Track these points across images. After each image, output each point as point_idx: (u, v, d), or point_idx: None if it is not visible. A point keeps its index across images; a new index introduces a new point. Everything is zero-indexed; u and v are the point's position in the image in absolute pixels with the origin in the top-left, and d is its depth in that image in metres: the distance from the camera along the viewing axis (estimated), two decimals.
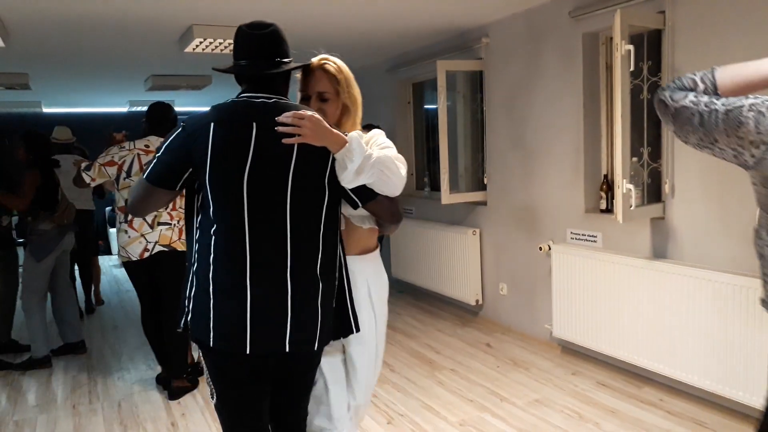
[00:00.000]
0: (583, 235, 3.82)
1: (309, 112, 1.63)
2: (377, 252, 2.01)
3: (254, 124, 1.62)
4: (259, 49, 1.70)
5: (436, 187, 5.48)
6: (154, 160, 1.68)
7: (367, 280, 1.94)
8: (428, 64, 5.07)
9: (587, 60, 3.73)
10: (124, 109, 8.87)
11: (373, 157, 1.66)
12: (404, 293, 5.80)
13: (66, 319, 4.42)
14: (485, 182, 4.78)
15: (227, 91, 7.88)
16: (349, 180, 1.65)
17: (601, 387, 3.49)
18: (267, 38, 1.70)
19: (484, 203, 4.77)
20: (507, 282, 4.59)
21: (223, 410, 1.81)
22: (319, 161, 1.67)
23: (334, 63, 1.87)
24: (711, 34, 2.98)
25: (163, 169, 1.67)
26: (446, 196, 4.65)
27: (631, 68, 3.12)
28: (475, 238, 4.81)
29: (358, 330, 1.84)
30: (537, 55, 4.06)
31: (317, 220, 1.69)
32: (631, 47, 3.07)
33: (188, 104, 9.22)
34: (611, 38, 3.37)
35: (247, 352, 1.64)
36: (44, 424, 3.38)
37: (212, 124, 1.62)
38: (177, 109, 8.03)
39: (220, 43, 4.28)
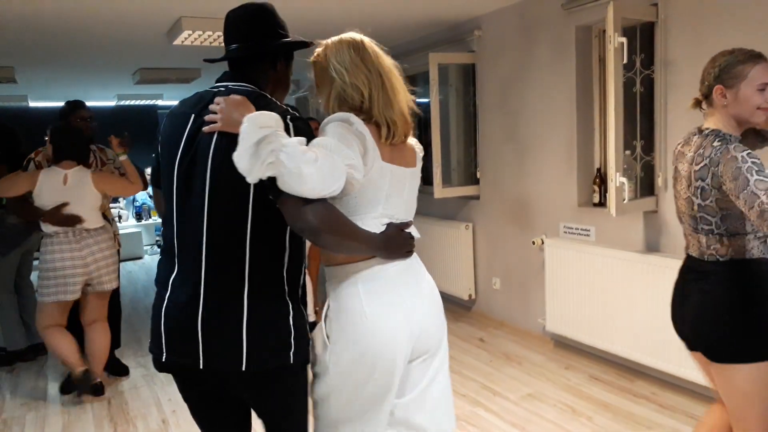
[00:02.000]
0: (576, 228, 3.82)
1: (233, 97, 1.45)
2: (352, 265, 1.57)
3: (192, 114, 1.52)
4: (235, 32, 1.60)
5: (428, 181, 5.45)
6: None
7: (329, 297, 1.62)
8: (420, 56, 5.02)
9: (580, 53, 3.71)
10: (111, 103, 8.77)
11: (271, 146, 1.31)
12: None
13: (27, 320, 4.30)
14: (478, 176, 4.76)
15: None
16: (241, 169, 1.32)
17: (593, 381, 3.49)
18: (241, 20, 1.59)
19: (476, 197, 4.75)
20: (500, 276, 4.58)
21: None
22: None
23: (318, 52, 1.66)
24: (704, 26, 2.97)
25: (154, 167, 1.67)
26: (439, 190, 4.62)
27: (624, 61, 3.10)
28: (467, 232, 4.79)
29: (293, 361, 1.52)
30: (530, 47, 4.04)
31: (242, 223, 1.45)
32: (624, 40, 3.05)
33: (177, 98, 9.12)
34: (604, 31, 3.35)
35: (163, 360, 1.54)
36: (33, 422, 3.34)
37: (166, 117, 1.61)
38: (165, 103, 8.01)
39: (209, 36, 4.22)
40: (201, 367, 1.48)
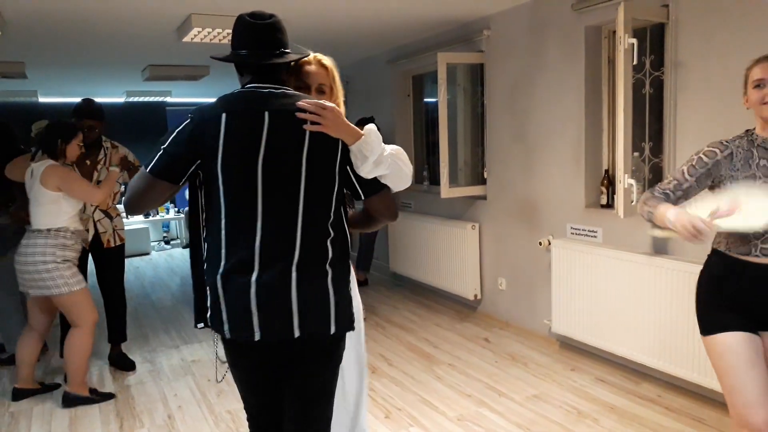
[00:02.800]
0: (583, 230, 3.81)
1: (329, 104, 1.65)
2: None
3: (266, 112, 1.61)
4: (261, 40, 1.69)
5: (435, 181, 5.46)
6: (159, 152, 1.63)
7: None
8: (429, 56, 5.03)
9: (589, 54, 3.70)
10: (120, 100, 8.81)
11: (387, 150, 1.70)
12: (402, 287, 5.79)
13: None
14: (485, 176, 4.75)
15: (225, 81, 7.85)
16: (367, 171, 1.67)
17: (599, 383, 3.48)
18: (269, 28, 1.70)
19: (483, 197, 4.75)
20: (506, 277, 4.57)
21: (241, 393, 1.86)
22: (329, 150, 1.66)
23: (328, 59, 1.94)
24: (715, 28, 2.96)
25: (170, 161, 1.62)
26: (446, 190, 4.62)
27: (634, 62, 3.09)
28: (474, 232, 4.78)
29: (353, 328, 1.78)
30: (539, 48, 4.03)
31: (328, 208, 1.69)
32: (634, 41, 3.04)
33: (185, 95, 9.16)
34: (614, 32, 3.34)
35: (256, 338, 1.63)
36: (40, 415, 3.36)
37: (223, 115, 1.60)
38: (173, 100, 8.02)
39: (219, 33, 4.23)
40: (296, 336, 1.64)
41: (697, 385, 3.11)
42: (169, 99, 9.06)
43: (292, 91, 1.70)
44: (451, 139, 4.70)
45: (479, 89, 4.88)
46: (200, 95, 9.48)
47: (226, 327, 1.65)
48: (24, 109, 8.62)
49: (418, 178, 5.87)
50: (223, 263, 1.63)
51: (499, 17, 4.35)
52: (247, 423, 1.91)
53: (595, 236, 3.73)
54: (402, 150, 1.80)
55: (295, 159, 1.62)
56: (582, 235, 3.81)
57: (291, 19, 3.96)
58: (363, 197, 1.77)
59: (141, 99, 8.66)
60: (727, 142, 1.98)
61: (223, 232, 1.64)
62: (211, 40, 4.41)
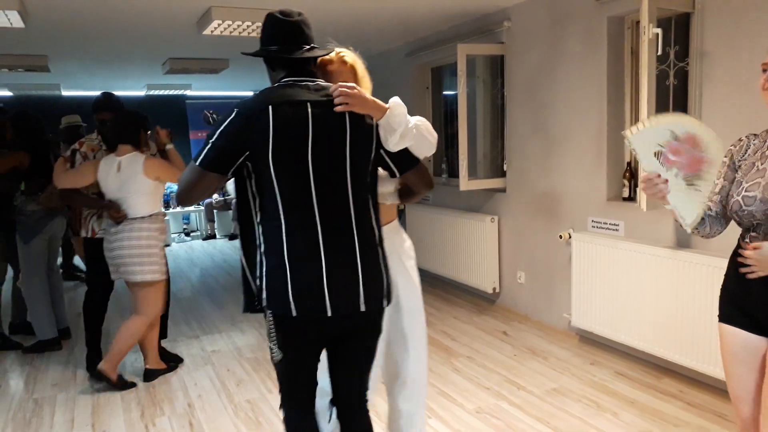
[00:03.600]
0: (604, 223, 3.76)
1: (349, 84, 1.75)
2: (397, 222, 2.22)
3: (308, 103, 1.71)
4: (292, 36, 1.79)
5: (454, 173, 5.43)
6: (208, 146, 1.69)
7: (397, 250, 2.15)
8: (448, 48, 5.00)
9: (612, 44, 3.65)
10: (141, 93, 8.89)
11: (411, 120, 1.80)
12: (421, 280, 5.77)
13: (56, 307, 4.40)
14: (505, 169, 4.72)
15: (244, 75, 7.87)
16: (394, 143, 1.77)
17: (619, 377, 3.44)
18: (299, 25, 1.81)
19: (503, 190, 4.72)
20: (525, 270, 4.54)
21: (287, 370, 1.89)
22: (367, 134, 1.78)
23: (352, 56, 2.01)
24: (742, 16, 2.89)
25: (219, 155, 1.69)
26: (464, 183, 4.60)
27: (658, 53, 3.04)
28: (493, 225, 4.76)
29: (390, 301, 1.90)
30: (560, 39, 3.98)
31: (368, 188, 1.82)
32: (659, 31, 2.99)
33: (205, 88, 9.21)
34: (637, 22, 3.29)
35: (328, 314, 1.73)
36: (63, 402, 3.42)
37: (270, 107, 1.67)
38: (193, 93, 8.04)
39: (239, 26, 4.24)
40: (362, 310, 1.78)
41: (720, 380, 3.06)
42: (188, 92, 9.13)
43: (325, 83, 1.80)
44: (470, 132, 4.67)
45: (499, 81, 4.84)
46: (220, 89, 9.53)
47: (292, 306, 1.71)
48: (47, 102, 8.74)
49: (436, 170, 5.85)
50: (286, 248, 1.71)
51: (519, 8, 4.31)
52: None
53: (617, 230, 3.68)
54: (425, 120, 1.90)
55: (340, 146, 1.73)
56: (603, 228, 3.77)
57: (309, 12, 3.97)
58: (399, 174, 1.89)
59: (161, 92, 8.73)
60: (743, 138, 1.91)
61: (282, 217, 1.72)
62: (231, 33, 4.42)
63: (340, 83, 1.74)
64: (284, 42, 1.78)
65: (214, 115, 3.95)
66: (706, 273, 3.04)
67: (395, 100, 1.78)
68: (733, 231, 1.94)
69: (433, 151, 1.94)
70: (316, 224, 1.73)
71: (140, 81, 8.07)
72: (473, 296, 5.13)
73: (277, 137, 1.67)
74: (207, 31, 4.36)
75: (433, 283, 5.59)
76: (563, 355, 3.81)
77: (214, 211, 9.09)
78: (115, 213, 3.41)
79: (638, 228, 3.54)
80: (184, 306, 5.39)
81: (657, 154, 1.72)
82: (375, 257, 1.81)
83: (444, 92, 5.84)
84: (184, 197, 1.75)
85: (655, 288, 3.34)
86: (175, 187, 2.13)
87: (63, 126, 5.95)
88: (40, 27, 4.37)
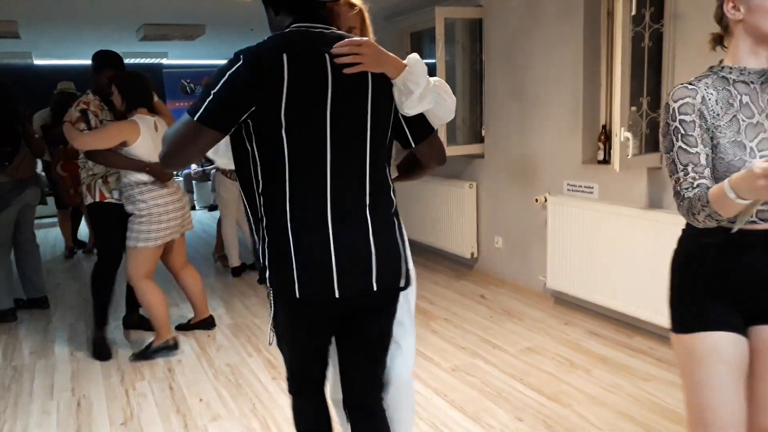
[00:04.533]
0: (579, 186, 3.81)
1: (362, 38, 1.51)
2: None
3: (326, 55, 1.46)
4: None
5: None
6: (210, 97, 1.40)
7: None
8: (427, 11, 4.94)
9: (588, 7, 3.65)
10: None
11: (431, 81, 1.60)
12: None
13: (27, 274, 4.38)
14: (483, 135, 4.73)
15: (220, 43, 7.72)
16: (412, 106, 1.55)
17: (592, 336, 3.53)
18: None
19: (481, 156, 4.74)
20: (502, 235, 4.59)
21: (291, 355, 1.71)
22: (388, 95, 1.56)
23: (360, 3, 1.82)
24: None
25: (223, 108, 1.41)
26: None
27: (633, 13, 3.04)
28: (471, 191, 4.79)
29: (409, 284, 1.69)
30: (537, 1, 3.96)
31: (385, 156, 1.61)
32: None
33: (182, 56, 9.05)
34: None
35: (336, 296, 1.51)
36: (42, 369, 3.42)
37: (284, 56, 1.41)
38: (170, 62, 7.95)
39: None
40: (375, 290, 1.56)
41: None
42: (165, 61, 8.96)
43: (339, 32, 1.55)
44: None
45: (478, 45, 4.82)
46: (196, 57, 9.36)
47: (296, 286, 1.50)
48: (18, 71, 8.54)
49: None
50: (289, 221, 1.49)
51: None
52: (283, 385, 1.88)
53: (591, 192, 3.73)
54: (442, 80, 1.71)
55: (361, 107, 1.51)
56: (578, 191, 3.81)
57: None
58: (413, 144, 1.67)
59: (137, 61, 8.57)
60: (691, 85, 1.52)
61: (287, 186, 1.48)
62: None
63: (348, 40, 1.48)
64: None
65: (191, 85, 3.89)
66: (677, 232, 3.10)
67: (414, 57, 1.57)
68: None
69: (452, 116, 1.72)
70: (327, 194, 1.50)
71: (115, 49, 7.86)
72: (452, 262, 5.18)
73: (292, 92, 1.42)
74: None
75: (413, 250, 5.55)
76: (538, 316, 3.88)
77: (193, 182, 9.02)
78: (163, 174, 3.35)
79: (612, 190, 3.59)
80: (164, 275, 5.37)
81: None
82: (392, 231, 1.60)
83: (423, 59, 5.79)
84: (173, 158, 1.46)
85: (627, 248, 3.40)
86: None
87: (57, 91, 5.87)
88: None
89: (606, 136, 3.69)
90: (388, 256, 1.58)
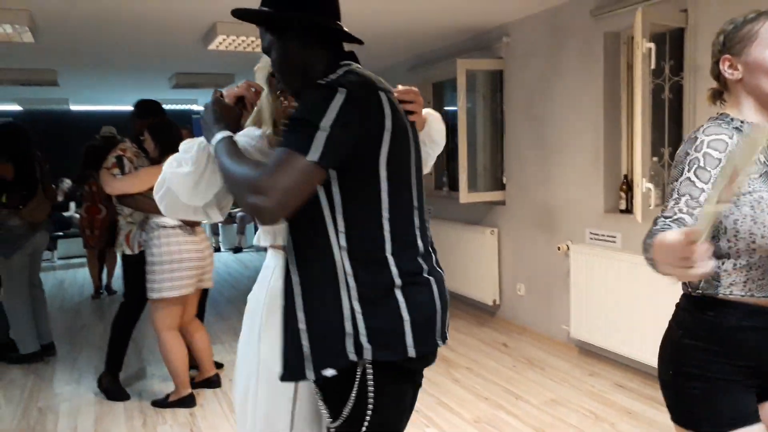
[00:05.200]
0: (602, 235, 3.80)
1: (415, 89, 1.56)
2: None
3: (386, 95, 1.39)
4: (338, 9, 1.50)
5: (454, 186, 5.49)
6: (318, 134, 1.22)
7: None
8: (449, 63, 5.08)
9: (608, 59, 3.72)
10: None
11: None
12: None
13: (39, 322, 4.34)
14: (504, 182, 4.77)
15: None
16: (433, 161, 1.68)
17: (618, 388, 3.46)
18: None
19: (502, 203, 4.77)
20: (524, 282, 4.58)
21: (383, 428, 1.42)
22: (418, 141, 1.51)
23: None
24: None
25: (338, 146, 1.25)
26: (464, 195, 4.65)
27: (653, 67, 3.10)
28: (493, 237, 4.80)
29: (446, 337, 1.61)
30: (558, 54, 4.05)
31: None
32: (652, 45, 3.05)
33: None
34: (633, 37, 3.35)
35: (439, 346, 1.43)
36: (67, 412, 3.46)
37: (382, 94, 1.35)
38: (200, 108, 8.14)
39: (243, 41, 4.34)
40: (442, 344, 1.45)
41: None
42: (195, 107, 9.25)
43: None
44: (470, 145, 4.74)
45: (498, 95, 4.91)
46: None
47: (410, 343, 1.33)
48: (56, 116, 8.88)
49: (437, 183, 5.91)
50: (395, 271, 1.34)
51: (518, 24, 4.39)
52: None
53: (614, 241, 3.72)
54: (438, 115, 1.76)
55: (413, 151, 1.45)
56: (601, 240, 3.81)
57: None
58: None
59: (169, 107, 8.86)
60: (725, 123, 1.41)
61: (387, 231, 1.35)
62: (235, 48, 4.52)
63: (409, 87, 1.51)
64: (325, 10, 1.42)
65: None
66: None
67: (433, 113, 1.64)
68: None
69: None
70: (417, 239, 1.41)
71: (147, 95, 8.18)
72: (474, 308, 5.16)
73: (394, 131, 1.35)
74: (212, 46, 4.45)
75: None
76: (562, 366, 3.83)
77: (219, 224, 9.17)
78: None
79: (635, 239, 3.58)
80: None
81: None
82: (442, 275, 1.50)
83: (445, 107, 5.91)
84: (286, 205, 1.23)
85: (652, 299, 3.36)
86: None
87: (100, 135, 6.32)
88: (50, 42, 4.48)
89: (628, 185, 3.70)
90: (447, 307, 1.48)
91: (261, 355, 1.61)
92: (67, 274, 7.74)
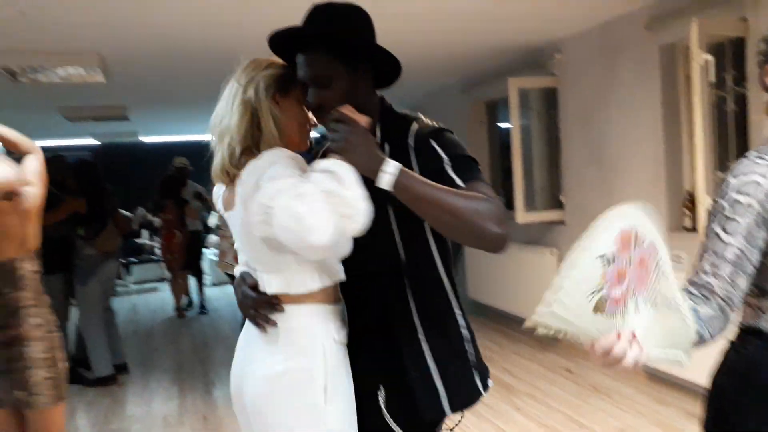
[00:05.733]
0: None
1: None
2: None
3: None
4: None
5: (511, 206, 5.40)
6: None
7: None
8: (501, 82, 5.02)
9: (665, 72, 3.58)
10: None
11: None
12: (481, 315, 5.73)
13: (113, 343, 4.56)
14: (562, 201, 4.66)
15: None
16: None
17: (689, 417, 3.28)
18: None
19: (561, 222, 4.65)
20: None
21: None
22: None
23: None
24: None
25: None
26: (521, 215, 4.57)
27: (713, 79, 2.97)
28: (552, 258, 4.67)
29: None
30: (613, 69, 3.94)
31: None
32: (709, 57, 2.92)
33: None
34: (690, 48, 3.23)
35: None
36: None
37: None
38: None
39: None
40: None
41: None
42: None
43: None
44: (526, 164, 4.66)
45: (553, 112, 4.82)
46: None
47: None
48: (129, 148, 9.37)
49: None
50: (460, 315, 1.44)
51: (570, 40, 4.31)
52: None
53: (679, 262, 3.54)
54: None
55: None
56: None
57: None
58: None
59: None
60: (763, 159, 1.17)
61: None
62: None
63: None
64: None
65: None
66: None
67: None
68: None
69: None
70: None
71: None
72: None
73: None
74: None
75: (494, 318, 5.52)
76: (629, 394, 3.67)
77: None
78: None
79: None
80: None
81: (598, 307, 1.02)
82: None
83: (499, 125, 5.85)
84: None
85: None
86: None
87: (174, 165, 6.80)
88: (119, 79, 4.75)
89: (692, 202, 3.53)
90: None
91: (329, 426, 1.33)
92: (139, 298, 8.11)
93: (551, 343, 4.75)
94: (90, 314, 4.41)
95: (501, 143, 5.83)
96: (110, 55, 3.98)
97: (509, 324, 5.32)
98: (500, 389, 3.89)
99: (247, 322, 1.44)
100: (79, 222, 4.29)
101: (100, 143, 9.10)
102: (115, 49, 3.84)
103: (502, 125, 5.82)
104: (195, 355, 5.20)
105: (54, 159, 4.37)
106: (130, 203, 8.75)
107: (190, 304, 7.01)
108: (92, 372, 4.43)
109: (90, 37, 3.57)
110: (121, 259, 8.34)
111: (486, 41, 4.34)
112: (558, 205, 4.78)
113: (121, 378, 4.53)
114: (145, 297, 8.18)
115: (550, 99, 4.84)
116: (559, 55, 4.40)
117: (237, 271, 1.49)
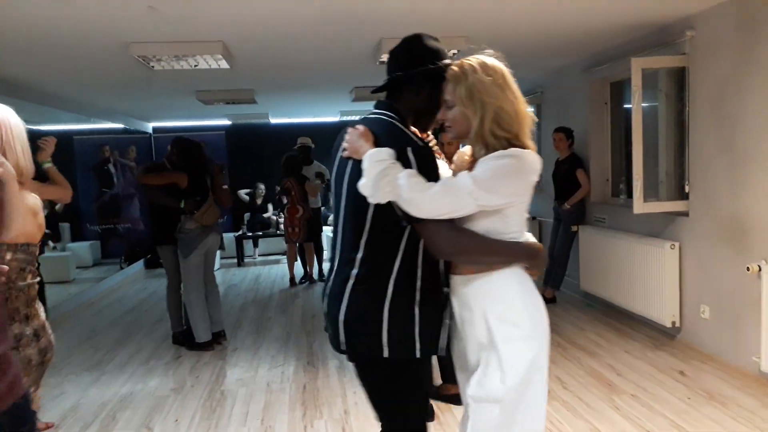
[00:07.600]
0: None
1: (357, 128, 1.72)
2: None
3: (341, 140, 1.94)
4: (388, 64, 1.91)
5: (629, 194, 5.07)
6: None
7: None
8: (626, 61, 4.70)
9: None
10: (336, 119, 9.70)
11: (387, 178, 1.60)
12: (592, 308, 5.46)
13: (209, 311, 4.82)
14: (686, 190, 4.29)
15: None
16: (367, 195, 1.64)
17: None
18: (392, 52, 1.89)
19: (685, 214, 4.28)
20: (709, 304, 4.06)
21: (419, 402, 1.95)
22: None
23: (459, 66, 1.67)
24: None
25: None
26: (639, 205, 4.28)
27: None
28: (673, 252, 4.34)
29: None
30: (750, 47, 3.53)
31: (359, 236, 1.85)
32: None
33: None
34: None
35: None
36: (242, 397, 3.87)
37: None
38: None
39: None
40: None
41: None
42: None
43: (374, 118, 1.85)
44: (650, 150, 4.35)
45: (683, 95, 4.42)
46: None
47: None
48: (259, 129, 10.00)
49: (614, 190, 5.50)
50: (423, 280, 1.75)
51: (703, 16, 3.92)
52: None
53: None
54: (413, 176, 1.59)
55: (341, 184, 1.87)
56: None
57: (484, 33, 4.05)
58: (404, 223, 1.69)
59: (353, 118, 9.46)
60: None
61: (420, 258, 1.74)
62: None
63: (349, 128, 1.84)
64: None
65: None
66: None
67: (370, 152, 1.67)
68: None
69: (423, 213, 1.61)
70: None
71: (335, 108, 8.84)
72: (650, 329, 4.71)
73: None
74: (382, 59, 4.67)
75: (606, 312, 5.24)
76: (747, 403, 3.33)
77: None
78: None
79: None
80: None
81: None
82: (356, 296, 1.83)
83: (625, 106, 5.48)
84: None
85: None
86: None
87: (297, 146, 7.37)
88: (244, 66, 5.07)
89: None
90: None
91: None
92: (264, 269, 8.66)
93: (666, 342, 4.42)
94: (191, 284, 4.68)
95: (627, 126, 5.46)
96: (233, 44, 4.25)
97: (620, 319, 5.02)
98: (601, 386, 3.71)
99: None
100: (180, 195, 4.60)
101: (230, 123, 9.77)
102: (237, 38, 4.10)
103: (628, 106, 5.45)
104: (302, 326, 5.47)
105: (175, 141, 4.84)
106: (255, 180, 9.35)
107: (305, 277, 7.38)
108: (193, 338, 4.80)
109: (213, 27, 3.84)
110: (248, 233, 8.98)
111: (611, 18, 4.07)
112: (682, 195, 4.40)
113: (219, 345, 4.84)
114: (269, 268, 8.71)
115: (678, 80, 4.45)
116: (690, 32, 4.02)
117: None
